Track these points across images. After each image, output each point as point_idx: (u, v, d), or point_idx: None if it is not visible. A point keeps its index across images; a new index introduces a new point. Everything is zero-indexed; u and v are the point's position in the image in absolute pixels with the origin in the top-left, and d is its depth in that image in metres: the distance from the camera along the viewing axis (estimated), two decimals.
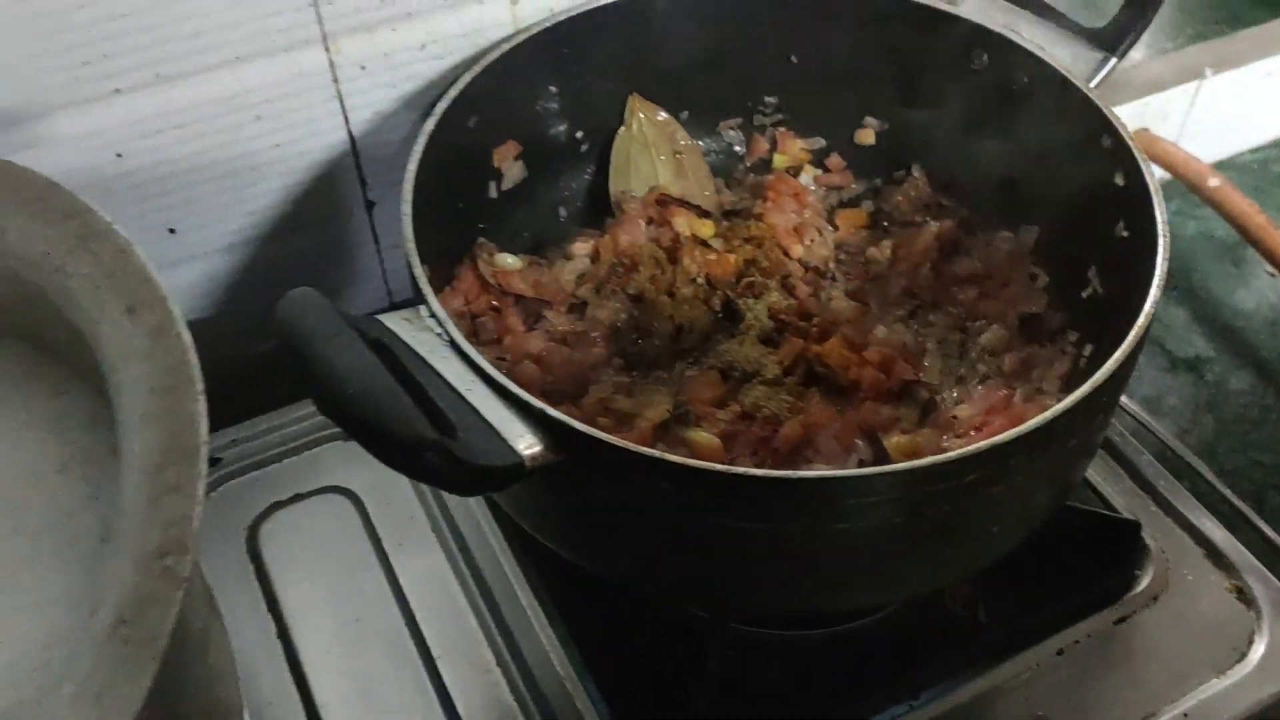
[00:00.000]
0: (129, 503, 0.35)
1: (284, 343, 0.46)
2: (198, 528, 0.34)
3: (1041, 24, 0.66)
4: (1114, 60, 0.64)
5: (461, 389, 0.48)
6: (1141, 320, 0.51)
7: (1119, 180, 0.60)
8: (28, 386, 0.46)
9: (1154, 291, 0.52)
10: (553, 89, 0.69)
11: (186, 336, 0.39)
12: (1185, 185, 0.93)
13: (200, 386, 0.37)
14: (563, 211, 0.73)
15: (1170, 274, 0.94)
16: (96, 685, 0.32)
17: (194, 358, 0.38)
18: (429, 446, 0.43)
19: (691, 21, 0.70)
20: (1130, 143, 0.59)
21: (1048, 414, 0.47)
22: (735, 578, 0.51)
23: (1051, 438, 0.49)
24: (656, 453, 0.46)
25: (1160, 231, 0.55)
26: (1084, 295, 0.64)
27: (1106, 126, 0.60)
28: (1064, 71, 0.63)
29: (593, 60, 0.69)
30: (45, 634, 0.39)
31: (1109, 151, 0.60)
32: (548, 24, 0.67)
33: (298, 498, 0.67)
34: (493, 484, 0.46)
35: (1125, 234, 0.59)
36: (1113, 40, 0.64)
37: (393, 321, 0.51)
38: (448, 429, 0.45)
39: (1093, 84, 0.63)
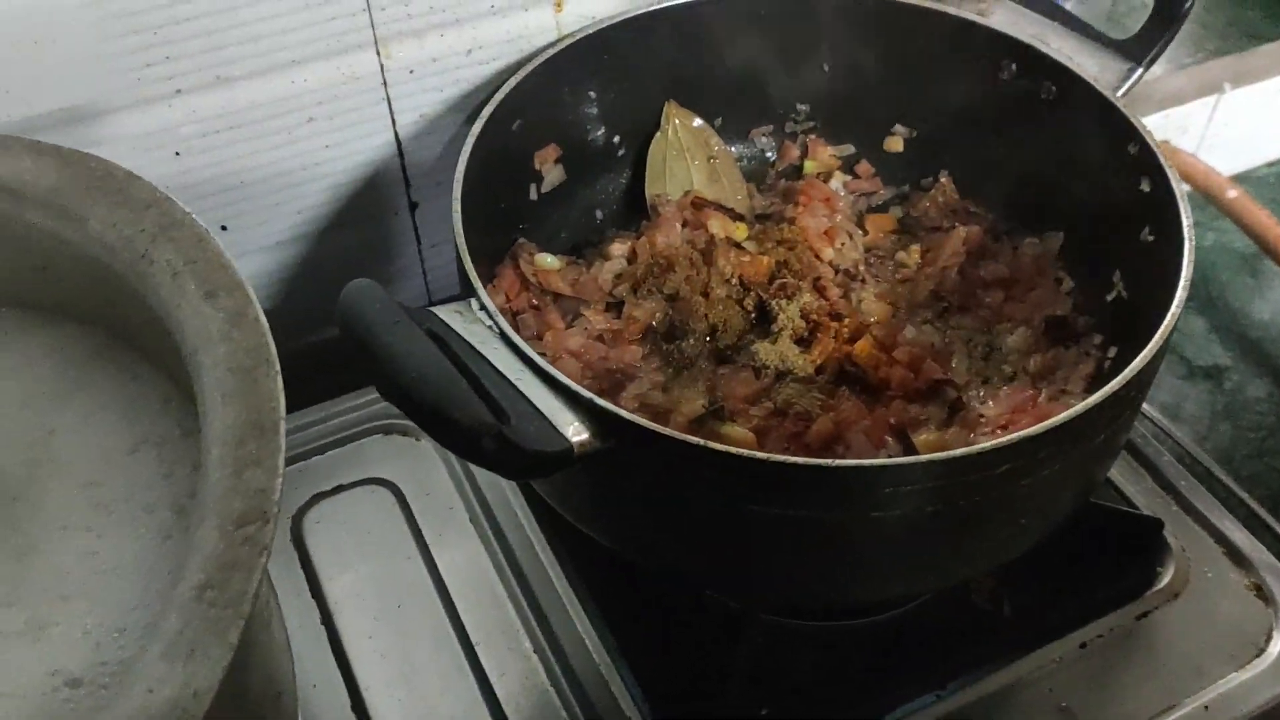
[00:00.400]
0: (212, 474, 0.37)
1: (347, 331, 0.48)
2: (278, 499, 0.36)
3: (1070, 35, 0.68)
4: (1140, 70, 0.65)
5: (512, 378, 0.51)
6: (1168, 320, 0.53)
7: (1145, 187, 0.61)
8: (102, 369, 0.48)
9: (1180, 293, 0.54)
10: (592, 94, 0.72)
11: (263, 320, 0.41)
12: (1204, 197, 0.95)
13: (277, 367, 0.40)
14: (599, 214, 0.76)
15: (1189, 284, 0.97)
16: (186, 643, 0.33)
17: (270, 340, 0.40)
18: (487, 432, 0.45)
19: (727, 31, 0.72)
20: (1156, 149, 0.61)
21: (1077, 408, 0.49)
22: (771, 567, 0.53)
23: (1079, 433, 0.51)
24: (701, 441, 0.48)
25: (1186, 235, 0.57)
26: (1109, 299, 0.66)
27: (1133, 134, 0.62)
28: (1092, 81, 0.64)
29: (632, 67, 0.71)
30: (125, 599, 0.41)
31: (1135, 159, 0.62)
32: (590, 31, 0.69)
33: (340, 489, 0.69)
34: (544, 469, 0.48)
35: (1151, 238, 0.61)
36: (1139, 52, 0.65)
37: (445, 314, 0.53)
38: (502, 416, 0.47)
39: (1120, 94, 0.64)
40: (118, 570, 0.41)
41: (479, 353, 0.51)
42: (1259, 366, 0.90)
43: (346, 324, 0.48)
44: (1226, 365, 0.91)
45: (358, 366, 0.48)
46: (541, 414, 0.49)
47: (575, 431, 0.49)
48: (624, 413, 0.49)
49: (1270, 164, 1.06)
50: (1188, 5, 0.64)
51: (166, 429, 0.47)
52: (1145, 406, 0.78)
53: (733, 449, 0.48)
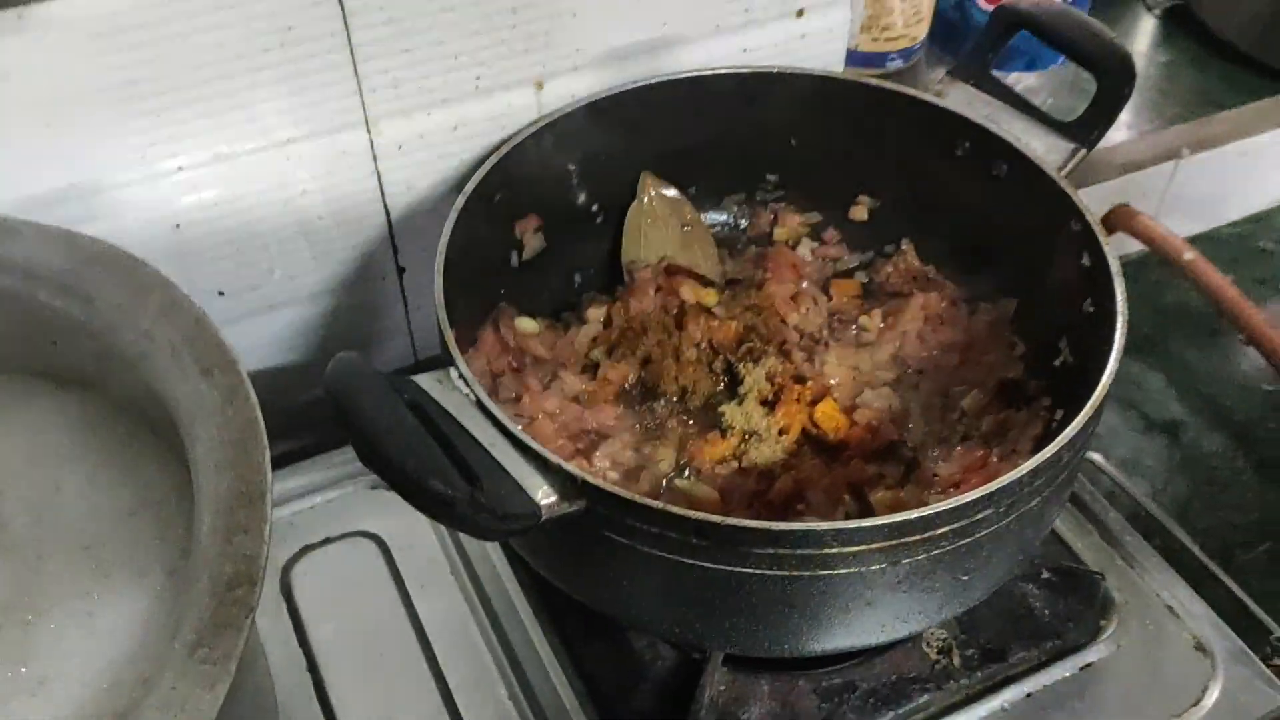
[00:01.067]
0: (204, 539, 0.41)
1: (333, 402, 0.51)
2: (265, 563, 0.40)
3: (1019, 116, 0.72)
4: (1083, 151, 0.69)
5: (486, 444, 0.54)
6: (1099, 391, 0.56)
7: (1085, 261, 0.65)
8: (106, 433, 0.52)
9: (1111, 365, 0.57)
10: (571, 167, 0.76)
11: (254, 398, 0.44)
12: (1162, 258, 0.99)
13: (265, 441, 0.43)
14: (579, 278, 0.80)
15: (1148, 341, 1.01)
16: (179, 696, 0.37)
17: (260, 416, 0.44)
18: (461, 499, 0.48)
19: (699, 108, 0.76)
20: (1095, 227, 0.65)
21: (1011, 475, 0.53)
22: (727, 620, 0.56)
23: (1016, 495, 0.54)
24: (661, 504, 0.52)
25: (1119, 310, 0.60)
26: (1056, 364, 0.70)
27: (1074, 212, 0.66)
28: (1037, 160, 0.69)
29: (609, 142, 0.76)
30: (119, 655, 0.45)
31: (1077, 234, 0.66)
32: (569, 110, 0.73)
33: (328, 541, 0.73)
34: (514, 532, 0.51)
35: (1091, 309, 0.65)
36: (1082, 134, 0.70)
37: (425, 383, 0.57)
38: (474, 480, 0.51)
39: (1063, 172, 0.68)
40: (113, 631, 0.45)
41: (456, 420, 0.55)
42: (1215, 421, 0.93)
43: (332, 395, 0.52)
44: (1183, 420, 0.94)
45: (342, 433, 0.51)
46: (512, 478, 0.53)
47: (544, 495, 0.52)
48: (589, 477, 0.53)
49: (1232, 225, 1.10)
50: (1126, 91, 0.68)
51: (163, 492, 0.50)
52: (1101, 460, 0.82)
53: (689, 513, 0.51)
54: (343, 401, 0.51)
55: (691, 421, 0.71)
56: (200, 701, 0.36)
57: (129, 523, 0.50)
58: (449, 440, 0.53)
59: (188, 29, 0.61)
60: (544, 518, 0.52)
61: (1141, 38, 1.17)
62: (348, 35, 0.65)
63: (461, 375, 0.58)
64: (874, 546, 0.52)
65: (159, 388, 0.47)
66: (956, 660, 0.64)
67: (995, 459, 0.66)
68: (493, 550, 0.71)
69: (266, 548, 0.40)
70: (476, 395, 0.57)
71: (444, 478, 0.48)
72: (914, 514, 0.52)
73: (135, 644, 0.46)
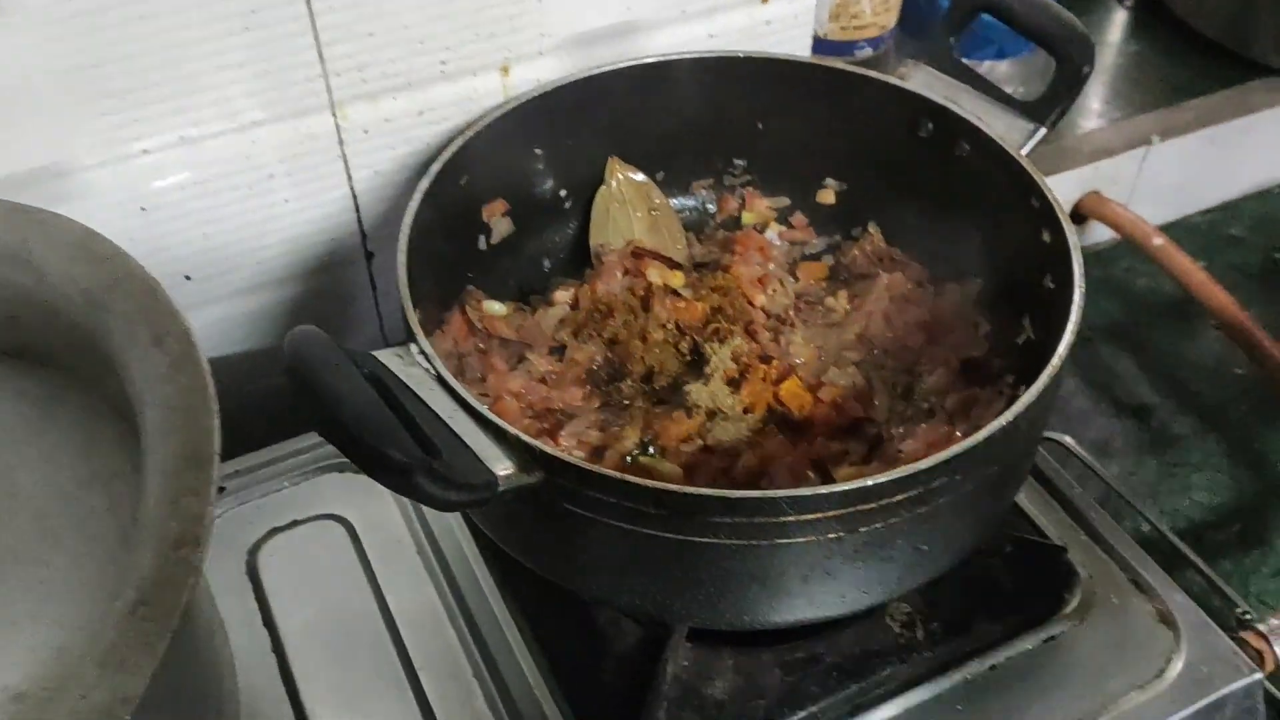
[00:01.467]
0: (151, 501, 0.41)
1: (291, 374, 0.52)
2: (209, 524, 0.40)
3: (980, 97, 0.72)
4: (1043, 130, 0.70)
5: (445, 417, 0.55)
6: (1055, 359, 0.57)
7: (1046, 237, 0.66)
8: (62, 408, 0.52)
9: (1068, 335, 0.58)
10: (538, 151, 0.76)
11: (204, 364, 0.45)
12: (1133, 244, 1.00)
13: (215, 406, 0.43)
14: (547, 262, 0.80)
15: (1120, 326, 1.02)
16: (119, 655, 0.37)
17: (210, 381, 0.44)
18: (417, 466, 0.49)
19: (666, 94, 0.77)
20: (1055, 203, 0.65)
21: (965, 443, 0.53)
22: (689, 592, 0.56)
23: (972, 464, 0.54)
24: (618, 473, 0.52)
25: (1077, 284, 0.61)
26: (1019, 341, 0.70)
27: (1034, 189, 0.67)
28: (998, 139, 0.69)
29: (576, 126, 0.76)
30: (69, 620, 0.45)
31: (1037, 211, 0.66)
32: (535, 94, 0.74)
33: (295, 524, 0.73)
34: (471, 501, 0.51)
35: (1052, 285, 0.66)
36: (1043, 112, 0.70)
37: (386, 357, 0.57)
38: (434, 452, 0.51)
39: (1024, 151, 0.69)
40: (64, 595, 0.45)
41: (416, 394, 0.55)
42: (1185, 405, 0.94)
43: (291, 367, 0.52)
44: (1154, 403, 0.95)
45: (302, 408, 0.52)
46: (470, 450, 0.53)
47: (502, 466, 0.53)
48: (546, 446, 0.53)
49: (1203, 212, 1.11)
50: (1086, 70, 0.69)
51: (118, 464, 0.50)
52: (1072, 443, 0.83)
53: (646, 481, 0.52)
54: (301, 372, 0.51)
55: (657, 401, 0.71)
56: (139, 659, 0.37)
57: (84, 494, 0.50)
58: (408, 413, 0.53)
59: (151, 11, 0.61)
60: (501, 488, 0.52)
61: (1112, 28, 1.18)
62: (312, 18, 0.65)
63: (422, 351, 0.58)
64: (830, 514, 0.53)
65: (114, 358, 0.47)
66: (920, 633, 0.64)
67: (959, 436, 0.66)
68: (458, 530, 0.72)
69: (211, 508, 0.40)
70: (436, 370, 0.57)
71: (401, 447, 0.48)
72: (869, 480, 0.52)
73: (85, 609, 0.46)
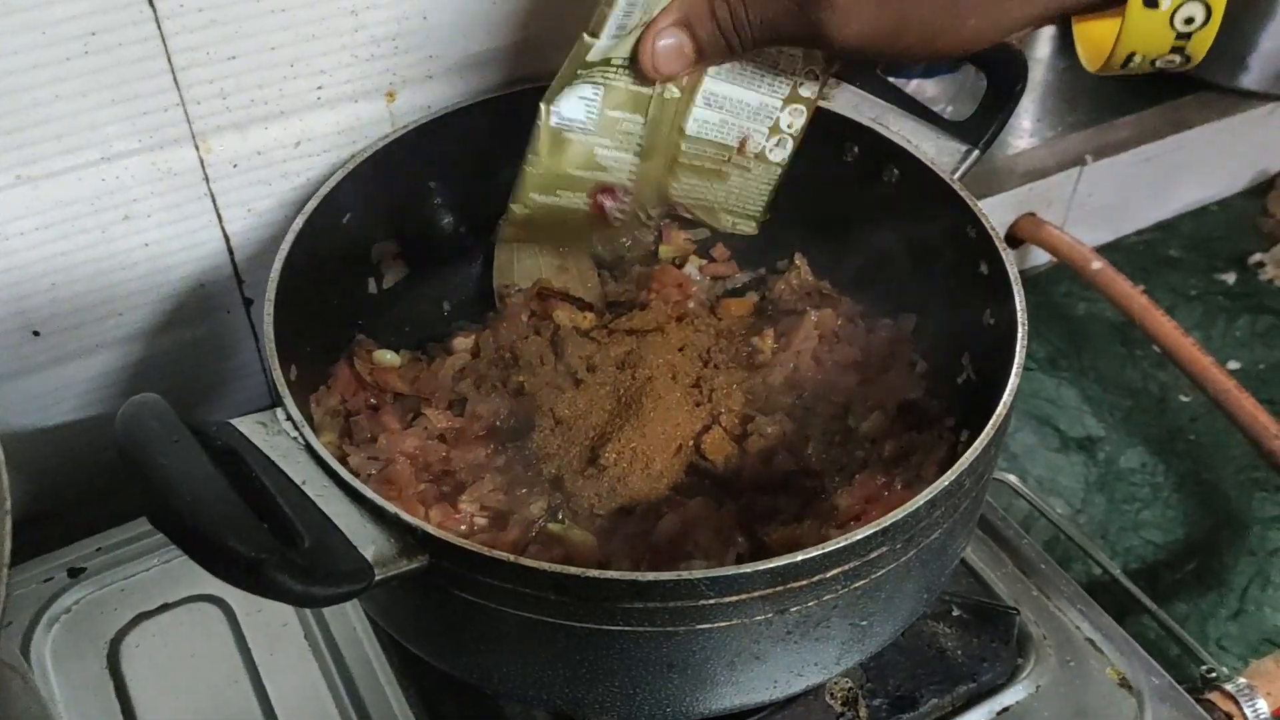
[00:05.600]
0: None
1: (121, 453, 0.44)
2: None
3: (908, 118, 0.67)
4: (976, 152, 0.65)
5: (314, 495, 0.47)
6: (999, 411, 0.51)
7: (984, 269, 0.61)
8: None
9: (1011, 383, 0.52)
10: (433, 184, 0.69)
11: None
12: (1071, 268, 0.96)
13: (8, 506, 0.36)
14: (447, 305, 0.73)
15: (1061, 354, 0.97)
16: None
17: (4, 475, 0.37)
18: (266, 558, 0.41)
19: None
20: (992, 232, 0.60)
21: (906, 508, 0.47)
22: (602, 684, 0.50)
23: (914, 528, 0.49)
24: (511, 557, 0.46)
25: (1020, 320, 0.55)
26: (959, 381, 0.65)
27: (970, 217, 0.61)
28: (929, 163, 0.64)
29: (472, 156, 0.69)
30: None
31: (973, 241, 0.61)
32: (425, 120, 0.67)
33: (165, 607, 0.65)
34: (338, 595, 0.44)
35: (992, 321, 0.60)
36: (975, 133, 0.65)
37: (246, 426, 0.50)
38: (294, 538, 0.44)
39: (957, 175, 0.64)
40: None
41: (279, 468, 0.48)
42: (1131, 436, 0.90)
43: (120, 445, 0.44)
44: (1100, 436, 0.90)
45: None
46: (340, 533, 0.46)
47: (377, 551, 0.46)
48: (429, 528, 0.46)
49: (1139, 233, 1.08)
50: (1018, 88, 0.64)
51: None
52: (1017, 482, 0.78)
53: (543, 565, 0.45)
54: (131, 453, 0.44)
55: (569, 457, 0.64)
56: None
57: None
58: (269, 493, 0.46)
59: None
60: (378, 578, 0.45)
61: (1042, 43, 1.14)
62: (163, 39, 0.58)
63: (289, 416, 0.51)
64: (757, 594, 0.46)
65: None
66: (863, 711, 0.58)
67: (899, 486, 0.61)
68: (352, 612, 0.64)
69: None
70: (305, 439, 0.50)
71: (246, 535, 0.41)
72: (800, 556, 0.46)
73: None
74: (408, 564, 0.46)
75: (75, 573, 0.65)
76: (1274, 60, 1.03)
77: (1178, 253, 1.06)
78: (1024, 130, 1.03)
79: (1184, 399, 0.92)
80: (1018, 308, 0.56)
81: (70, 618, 0.64)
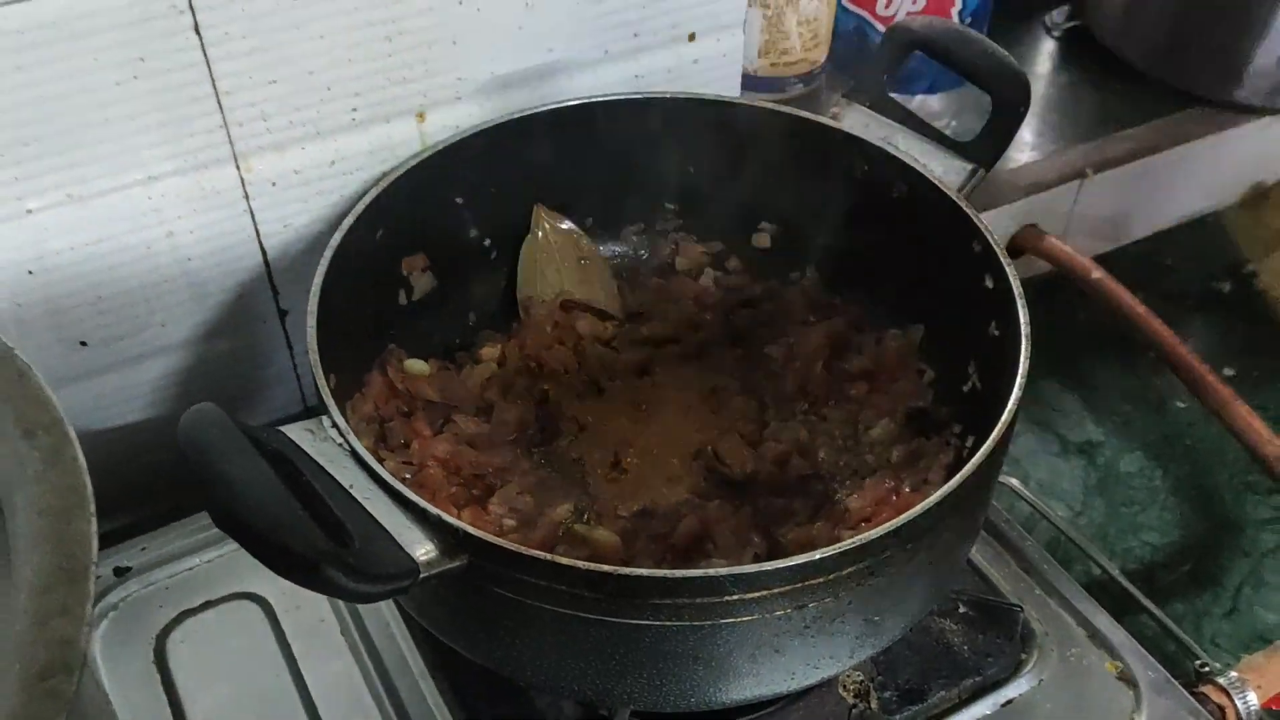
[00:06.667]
0: (18, 623, 0.36)
1: (185, 459, 0.47)
2: (84, 648, 0.36)
3: (916, 138, 0.70)
4: (982, 171, 0.68)
5: (361, 498, 0.50)
6: (1004, 419, 0.54)
7: (989, 283, 0.63)
8: None
9: (1015, 393, 0.55)
10: (459, 200, 0.72)
11: (81, 459, 0.40)
12: (1071, 278, 0.99)
13: (92, 509, 0.39)
14: (473, 316, 0.76)
15: (1062, 361, 1.00)
16: None
17: (87, 479, 0.40)
18: (323, 558, 0.44)
19: (591, 137, 0.73)
20: (996, 248, 0.63)
21: (915, 510, 0.50)
22: (629, 675, 0.52)
23: (923, 530, 0.52)
24: (547, 555, 0.48)
25: (1023, 334, 0.58)
26: (965, 389, 0.68)
27: (975, 233, 0.64)
28: (937, 181, 0.67)
29: (499, 173, 0.72)
30: None
31: (979, 256, 0.64)
32: (454, 140, 0.70)
33: (208, 605, 0.68)
34: (388, 592, 0.47)
35: (997, 333, 0.63)
36: (980, 153, 0.68)
37: (295, 433, 0.53)
38: (345, 539, 0.47)
39: (963, 193, 0.67)
40: None
41: (328, 473, 0.51)
42: (1130, 441, 0.93)
43: (184, 452, 0.47)
44: (1099, 440, 0.93)
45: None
46: (388, 534, 0.49)
47: (423, 551, 0.49)
48: (470, 529, 0.49)
49: (1137, 242, 1.11)
50: (1022, 109, 0.67)
51: None
52: (1019, 485, 0.81)
53: (578, 563, 0.48)
54: (192, 456, 0.47)
55: (592, 461, 0.68)
56: None
57: None
58: (319, 496, 0.49)
59: (28, 61, 0.57)
60: (423, 576, 0.48)
61: (1042, 59, 1.17)
62: (208, 65, 0.61)
63: (335, 424, 0.54)
64: (777, 591, 0.49)
65: None
66: (874, 703, 0.61)
67: (907, 490, 0.64)
68: (386, 609, 0.67)
69: (87, 629, 0.36)
70: (350, 445, 0.53)
71: (304, 537, 0.44)
72: (817, 555, 0.49)
73: None
74: (449, 563, 0.49)
75: (121, 572, 0.68)
76: (1268, 75, 1.06)
77: (1175, 262, 1.09)
78: (1026, 144, 1.06)
79: (1181, 405, 0.95)
80: (1021, 322, 0.59)
81: (117, 615, 0.67)
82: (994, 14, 1.04)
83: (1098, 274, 0.96)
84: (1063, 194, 1.02)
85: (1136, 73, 1.12)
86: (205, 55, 0.61)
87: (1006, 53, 0.68)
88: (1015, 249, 1.02)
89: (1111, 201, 1.05)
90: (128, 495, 0.72)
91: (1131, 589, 0.74)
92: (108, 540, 0.70)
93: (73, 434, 0.41)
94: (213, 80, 0.62)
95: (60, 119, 0.59)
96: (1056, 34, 1.19)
